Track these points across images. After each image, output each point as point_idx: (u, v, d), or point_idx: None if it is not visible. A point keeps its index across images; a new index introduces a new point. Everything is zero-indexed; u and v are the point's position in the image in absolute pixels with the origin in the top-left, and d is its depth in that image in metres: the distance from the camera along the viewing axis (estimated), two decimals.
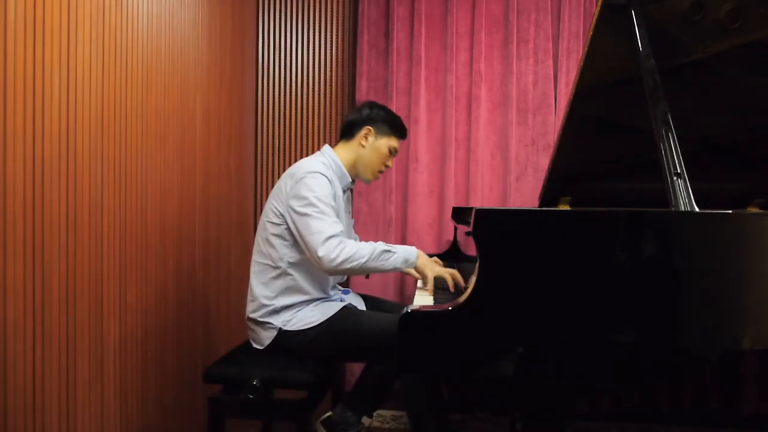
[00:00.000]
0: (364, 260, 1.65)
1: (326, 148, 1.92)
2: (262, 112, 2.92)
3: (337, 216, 1.78)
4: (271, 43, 2.91)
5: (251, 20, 2.84)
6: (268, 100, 2.91)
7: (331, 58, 2.91)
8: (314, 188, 1.70)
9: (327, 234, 1.64)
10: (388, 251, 1.70)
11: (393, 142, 1.93)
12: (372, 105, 1.95)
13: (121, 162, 1.68)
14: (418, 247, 2.71)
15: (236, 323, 2.62)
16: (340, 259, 1.63)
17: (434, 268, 1.78)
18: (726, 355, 1.22)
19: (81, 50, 1.48)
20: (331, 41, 2.91)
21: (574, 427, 2.52)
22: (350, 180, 1.94)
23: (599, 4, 1.58)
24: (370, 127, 1.90)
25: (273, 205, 1.79)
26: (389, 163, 1.96)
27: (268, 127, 2.92)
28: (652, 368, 1.22)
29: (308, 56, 2.91)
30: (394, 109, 2.78)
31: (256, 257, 1.84)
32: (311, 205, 1.68)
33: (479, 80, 2.74)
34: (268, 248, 1.79)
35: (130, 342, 1.74)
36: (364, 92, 2.83)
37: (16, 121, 1.26)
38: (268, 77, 2.91)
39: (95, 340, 1.56)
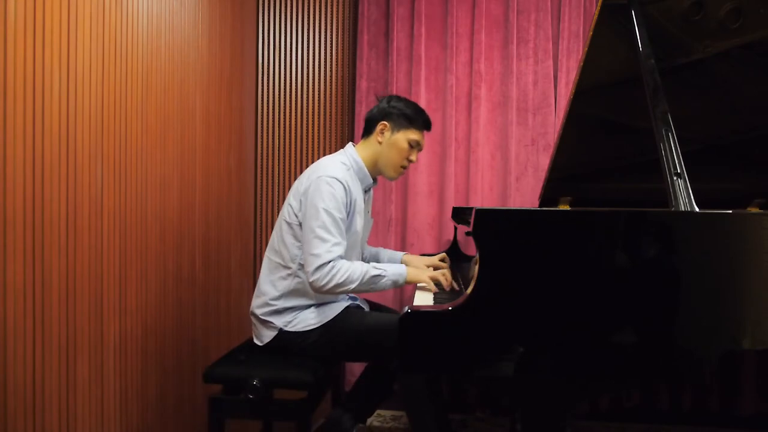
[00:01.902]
0: (353, 285, 1.67)
1: (349, 146, 1.90)
2: (262, 112, 2.92)
3: (351, 221, 1.77)
4: (271, 43, 2.91)
5: (251, 20, 2.84)
6: (268, 100, 2.91)
7: (331, 58, 2.91)
8: (326, 197, 1.68)
9: (323, 260, 1.64)
10: (378, 275, 1.70)
11: (413, 134, 1.85)
12: (390, 98, 1.89)
13: (121, 162, 1.68)
14: (418, 247, 2.75)
15: (236, 323, 2.62)
16: (330, 286, 1.65)
17: (427, 273, 1.78)
18: (726, 355, 1.22)
19: (81, 50, 1.48)
20: (331, 41, 2.91)
21: (574, 427, 2.52)
22: (371, 180, 1.91)
23: (599, 4, 1.58)
24: (386, 122, 1.85)
25: (290, 203, 1.79)
26: (413, 158, 1.88)
27: (268, 127, 2.92)
28: (652, 368, 1.22)
29: (308, 56, 2.91)
30: None
31: (269, 254, 1.84)
32: (318, 217, 1.67)
33: (479, 80, 2.74)
34: (282, 247, 1.79)
35: (130, 342, 1.74)
36: (364, 92, 2.83)
37: (16, 121, 1.26)
38: (268, 77, 2.91)
39: (95, 340, 1.56)
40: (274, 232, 1.86)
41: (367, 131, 1.90)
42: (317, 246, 1.66)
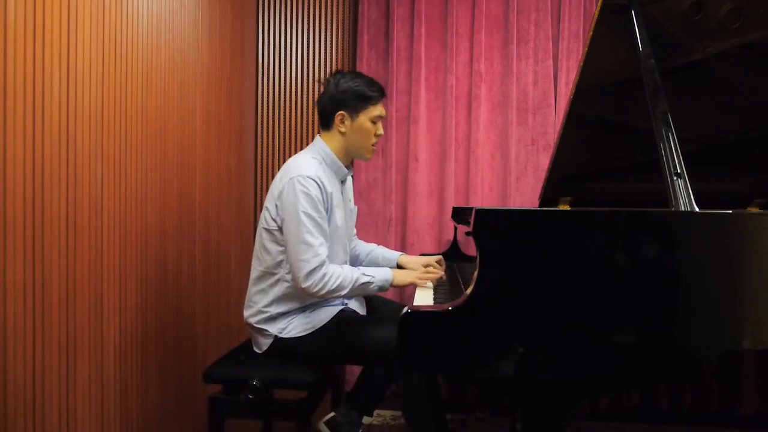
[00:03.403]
0: (345, 291, 1.69)
1: (318, 139, 1.84)
2: (262, 112, 2.92)
3: (330, 217, 1.74)
4: (271, 43, 2.91)
5: (251, 20, 2.84)
6: (268, 100, 2.91)
7: (331, 58, 2.91)
8: (302, 199, 1.65)
9: (312, 265, 1.64)
10: (367, 282, 1.72)
11: (373, 111, 1.78)
12: (337, 81, 1.79)
13: (121, 162, 1.68)
14: (418, 247, 2.75)
15: (236, 323, 2.62)
16: (323, 292, 1.66)
17: (414, 275, 1.80)
18: (726, 355, 1.22)
19: (81, 50, 1.48)
20: (331, 41, 2.91)
21: (574, 427, 2.52)
22: (346, 170, 1.86)
23: (599, 4, 1.58)
24: (342, 111, 1.77)
25: (267, 208, 1.76)
26: (380, 131, 1.82)
27: (268, 127, 2.92)
28: (652, 368, 1.22)
29: (308, 56, 2.91)
30: (393, 110, 2.78)
31: (254, 263, 1.82)
32: (298, 221, 1.65)
33: (479, 80, 2.74)
34: (265, 254, 1.77)
35: (130, 342, 1.74)
36: None
37: (16, 121, 1.26)
38: (268, 77, 2.91)
39: (95, 340, 1.56)
40: (255, 242, 1.82)
41: (326, 124, 1.82)
42: (304, 252, 1.64)
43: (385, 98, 1.85)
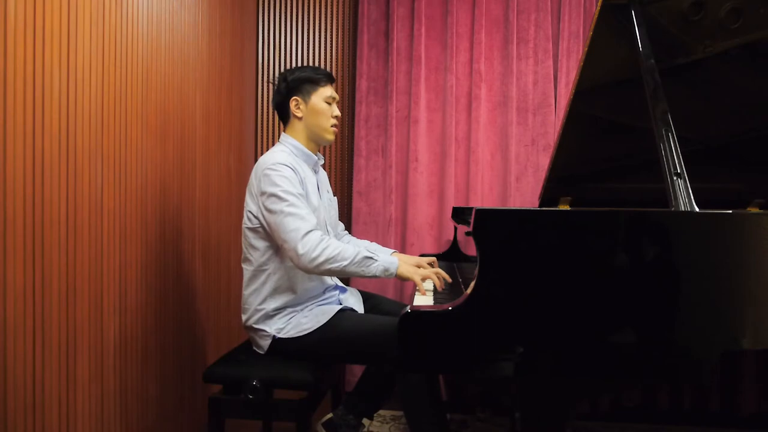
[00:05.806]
0: (345, 263, 1.64)
1: (282, 136, 1.89)
2: (262, 112, 2.92)
3: (306, 197, 1.75)
4: (271, 43, 2.91)
5: (251, 20, 2.84)
6: (268, 100, 2.91)
7: (331, 58, 2.91)
8: (278, 182, 1.68)
9: (304, 230, 1.63)
10: (370, 258, 1.67)
11: (324, 91, 1.85)
12: (284, 76, 1.87)
13: (121, 161, 1.68)
14: (418, 247, 2.75)
15: (236, 323, 2.62)
16: (321, 259, 1.61)
17: (419, 272, 1.74)
18: (726, 355, 1.22)
19: (81, 50, 1.48)
20: (331, 41, 2.91)
21: (574, 427, 2.52)
22: (315, 159, 1.89)
23: (599, 4, 1.58)
24: (295, 97, 1.84)
25: (250, 209, 1.77)
26: (336, 112, 1.87)
27: (268, 127, 2.92)
28: (653, 368, 1.22)
29: (308, 56, 2.91)
30: (393, 110, 2.78)
31: (244, 266, 1.82)
32: (280, 200, 1.66)
33: (479, 80, 2.74)
34: (253, 252, 1.77)
35: (130, 342, 1.74)
36: (364, 92, 2.83)
37: (16, 121, 1.26)
38: (268, 77, 2.91)
39: (95, 339, 1.56)
40: (243, 244, 1.83)
41: (285, 116, 1.88)
42: (291, 222, 1.64)
43: (333, 83, 1.91)
